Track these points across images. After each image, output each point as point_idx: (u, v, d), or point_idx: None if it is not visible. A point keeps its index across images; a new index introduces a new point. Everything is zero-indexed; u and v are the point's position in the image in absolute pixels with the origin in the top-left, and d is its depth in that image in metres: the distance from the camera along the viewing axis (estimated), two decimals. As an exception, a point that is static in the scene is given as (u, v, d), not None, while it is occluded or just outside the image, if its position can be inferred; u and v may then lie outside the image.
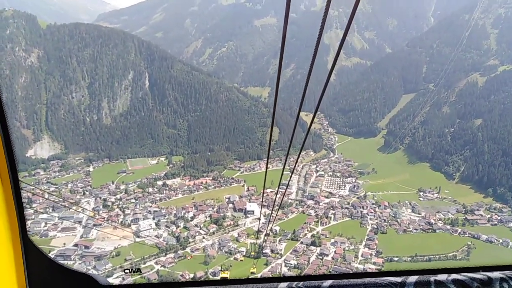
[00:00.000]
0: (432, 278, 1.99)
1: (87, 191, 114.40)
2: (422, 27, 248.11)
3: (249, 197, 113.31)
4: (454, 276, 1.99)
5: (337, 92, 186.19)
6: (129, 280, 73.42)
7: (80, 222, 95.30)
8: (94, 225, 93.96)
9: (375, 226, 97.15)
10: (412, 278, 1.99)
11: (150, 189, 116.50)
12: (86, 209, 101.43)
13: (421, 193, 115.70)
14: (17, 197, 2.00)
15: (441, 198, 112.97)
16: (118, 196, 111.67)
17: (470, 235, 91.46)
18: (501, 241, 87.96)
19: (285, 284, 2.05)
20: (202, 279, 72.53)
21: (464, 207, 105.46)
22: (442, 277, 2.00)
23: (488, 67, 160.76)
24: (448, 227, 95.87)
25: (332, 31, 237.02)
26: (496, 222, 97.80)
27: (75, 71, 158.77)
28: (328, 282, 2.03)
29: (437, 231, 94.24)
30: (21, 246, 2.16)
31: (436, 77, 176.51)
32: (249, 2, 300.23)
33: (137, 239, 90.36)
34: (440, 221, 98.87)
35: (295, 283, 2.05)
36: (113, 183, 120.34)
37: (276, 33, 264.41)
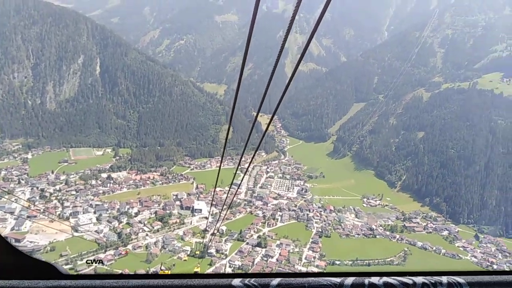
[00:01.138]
0: (367, 280, 2.27)
1: (23, 179, 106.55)
2: (376, 40, 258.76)
3: (197, 195, 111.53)
4: (385, 278, 2.29)
5: (292, 96, 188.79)
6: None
7: (12, 213, 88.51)
8: (28, 216, 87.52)
9: (320, 230, 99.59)
10: (349, 280, 2.26)
11: (93, 181, 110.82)
12: (20, 199, 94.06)
13: (365, 199, 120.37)
14: None
15: (383, 205, 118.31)
16: (57, 187, 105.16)
17: (407, 242, 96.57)
18: (434, 248, 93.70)
19: (238, 280, 2.24)
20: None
21: (403, 215, 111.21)
22: (375, 279, 2.28)
23: (433, 84, 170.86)
24: (388, 233, 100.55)
25: (291, 35, 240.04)
26: (431, 230, 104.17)
27: (19, 50, 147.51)
28: (277, 280, 2.25)
29: (377, 236, 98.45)
30: None
31: (385, 88, 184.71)
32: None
33: (75, 234, 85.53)
34: (381, 227, 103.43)
35: (247, 279, 2.25)
36: (53, 172, 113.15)
37: (237, 30, 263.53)
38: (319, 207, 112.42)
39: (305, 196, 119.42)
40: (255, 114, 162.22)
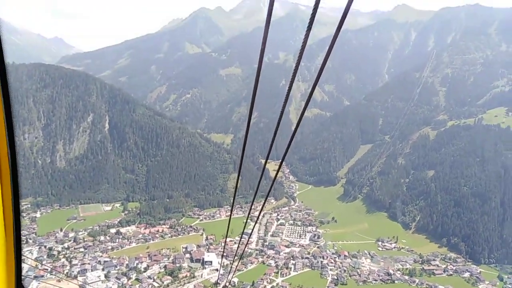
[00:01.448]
0: None
1: (30, 239, 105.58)
2: (378, 83, 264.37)
3: (207, 247, 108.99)
4: None
5: (298, 141, 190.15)
6: None
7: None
8: (35, 276, 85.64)
9: (335, 277, 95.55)
10: None
11: (102, 237, 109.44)
12: (27, 258, 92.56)
13: (380, 243, 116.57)
14: (17, 241, 1.79)
15: (399, 248, 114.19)
16: (65, 245, 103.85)
17: (427, 286, 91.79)
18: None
19: None
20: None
21: (420, 257, 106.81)
22: None
23: (438, 122, 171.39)
24: (407, 277, 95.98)
25: (294, 83, 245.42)
26: (451, 273, 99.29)
27: (30, 112, 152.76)
28: None
29: (396, 281, 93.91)
30: None
31: (391, 129, 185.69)
32: (215, 52, 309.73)
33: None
34: (399, 272, 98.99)
35: None
36: (61, 230, 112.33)
37: (240, 82, 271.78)
38: (333, 253, 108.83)
39: (318, 243, 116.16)
40: (262, 161, 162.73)
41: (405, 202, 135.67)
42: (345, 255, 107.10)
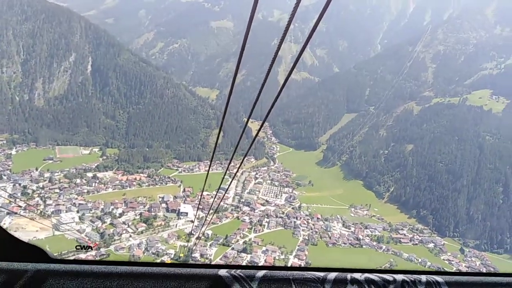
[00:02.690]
0: (349, 275, 2.33)
1: (5, 175, 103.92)
2: (369, 53, 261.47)
3: (184, 198, 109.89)
4: (366, 275, 2.35)
5: (284, 104, 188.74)
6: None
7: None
8: (8, 212, 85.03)
9: (307, 238, 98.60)
10: (332, 275, 2.32)
11: (78, 180, 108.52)
12: (0, 195, 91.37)
13: (353, 209, 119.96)
14: None
15: (370, 215, 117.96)
16: (40, 184, 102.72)
17: (393, 253, 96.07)
18: (420, 260, 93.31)
19: (225, 270, 2.27)
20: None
21: (390, 226, 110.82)
22: (357, 275, 2.33)
23: (424, 98, 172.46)
24: (374, 243, 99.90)
25: (285, 43, 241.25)
26: (417, 242, 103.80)
27: (9, 45, 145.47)
28: (262, 272, 2.28)
29: (363, 246, 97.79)
30: None
31: (377, 101, 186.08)
32: (207, 2, 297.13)
33: (56, 232, 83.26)
34: (368, 237, 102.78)
35: (234, 270, 2.28)
36: (37, 169, 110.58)
37: (231, 37, 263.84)
38: (306, 215, 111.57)
39: (293, 204, 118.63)
40: (246, 119, 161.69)
41: (382, 173, 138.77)
42: (317, 218, 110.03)
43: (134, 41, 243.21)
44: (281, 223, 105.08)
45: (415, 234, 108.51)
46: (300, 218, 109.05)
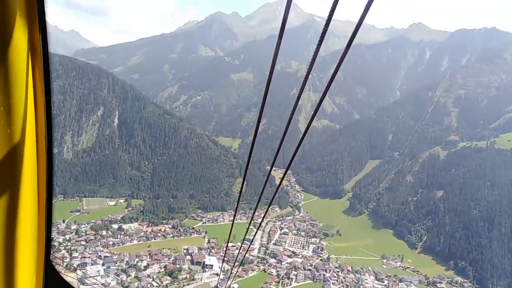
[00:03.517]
0: None
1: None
2: (389, 99, 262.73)
3: (209, 250, 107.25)
4: None
5: (306, 151, 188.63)
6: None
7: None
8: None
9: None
10: None
11: (104, 232, 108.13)
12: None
13: (384, 260, 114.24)
14: (48, 216, 1.90)
15: (404, 267, 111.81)
16: (67, 237, 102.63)
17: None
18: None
19: None
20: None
21: (426, 279, 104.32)
22: None
23: (449, 142, 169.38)
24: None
25: (305, 92, 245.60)
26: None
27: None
28: None
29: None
30: (43, 273, 2.00)
31: (400, 146, 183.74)
32: (228, 56, 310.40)
33: (82, 287, 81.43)
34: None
35: None
36: (63, 222, 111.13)
37: (252, 88, 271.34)
38: (336, 267, 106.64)
39: (321, 255, 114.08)
40: (268, 168, 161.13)
41: (412, 221, 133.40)
42: (348, 270, 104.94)
43: (159, 95, 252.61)
44: (310, 276, 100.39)
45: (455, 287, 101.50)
46: (330, 270, 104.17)
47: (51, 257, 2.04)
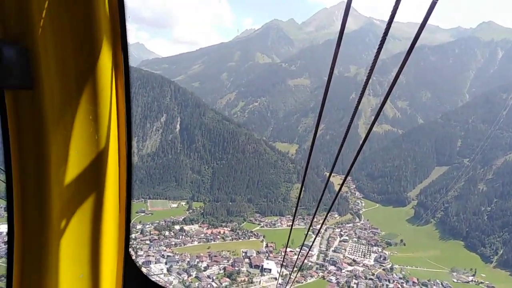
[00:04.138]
0: None
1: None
2: (457, 102, 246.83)
3: (267, 254, 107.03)
4: None
5: (366, 157, 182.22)
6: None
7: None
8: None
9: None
10: None
11: (167, 233, 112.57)
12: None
13: (454, 274, 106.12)
14: (127, 215, 2.09)
15: (477, 282, 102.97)
16: (133, 236, 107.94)
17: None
18: None
19: None
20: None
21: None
22: None
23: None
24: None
25: (365, 97, 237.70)
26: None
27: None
28: None
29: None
30: (123, 266, 2.17)
31: (471, 152, 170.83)
32: (284, 62, 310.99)
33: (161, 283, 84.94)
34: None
35: None
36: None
37: (309, 93, 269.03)
38: (400, 278, 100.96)
39: (383, 264, 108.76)
40: (327, 174, 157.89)
41: (486, 232, 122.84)
42: (413, 282, 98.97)
43: (218, 101, 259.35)
44: (372, 285, 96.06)
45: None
46: (393, 281, 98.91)
47: (130, 253, 2.21)
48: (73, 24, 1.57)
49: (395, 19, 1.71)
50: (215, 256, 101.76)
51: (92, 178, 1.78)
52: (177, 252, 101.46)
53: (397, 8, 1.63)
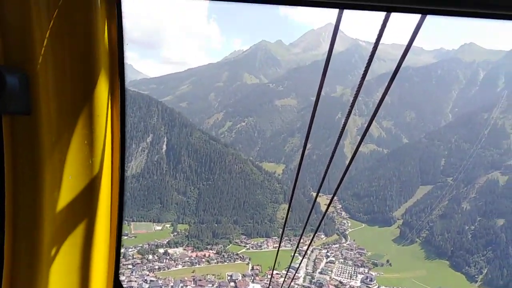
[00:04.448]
0: None
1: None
2: (440, 122, 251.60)
3: (252, 277, 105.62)
4: None
5: (352, 177, 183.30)
6: None
7: None
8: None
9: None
10: None
11: (150, 256, 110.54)
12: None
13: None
14: (118, 238, 2.10)
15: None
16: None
17: None
18: None
19: None
20: None
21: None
22: None
23: (509, 166, 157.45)
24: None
25: (350, 117, 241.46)
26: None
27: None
28: None
29: None
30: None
31: (454, 171, 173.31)
32: (272, 83, 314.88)
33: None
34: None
35: None
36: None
37: (295, 113, 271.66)
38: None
39: (370, 286, 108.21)
40: (313, 194, 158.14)
41: (470, 252, 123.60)
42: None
43: (205, 121, 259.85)
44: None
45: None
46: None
47: (119, 278, 2.20)
48: (73, 52, 1.63)
49: (380, 41, 1.73)
50: (200, 280, 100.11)
51: (85, 203, 1.81)
52: (160, 277, 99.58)
53: (382, 32, 1.66)
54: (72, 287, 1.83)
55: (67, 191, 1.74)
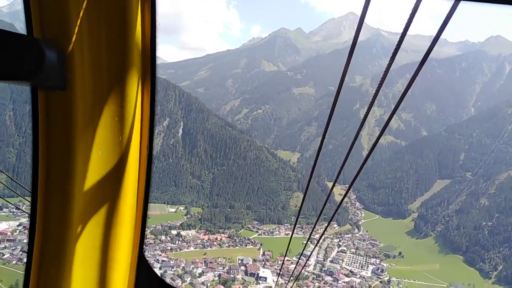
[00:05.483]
0: None
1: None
2: (462, 116, 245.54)
3: (263, 262, 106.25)
4: None
5: (368, 168, 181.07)
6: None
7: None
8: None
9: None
10: None
11: (163, 237, 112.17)
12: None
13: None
14: (143, 215, 2.15)
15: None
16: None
17: None
18: None
19: None
20: None
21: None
22: None
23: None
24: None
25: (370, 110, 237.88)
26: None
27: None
28: None
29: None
30: (136, 265, 2.20)
31: (474, 166, 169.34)
32: (290, 71, 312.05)
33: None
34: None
35: None
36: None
37: (313, 102, 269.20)
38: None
39: (381, 277, 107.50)
40: (327, 183, 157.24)
41: (486, 248, 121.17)
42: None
43: (222, 108, 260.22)
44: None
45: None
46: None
47: (144, 253, 2.27)
48: (108, 28, 1.68)
49: (402, 32, 1.70)
50: (211, 262, 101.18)
51: (114, 179, 1.86)
52: (172, 257, 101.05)
53: (411, 22, 1.64)
54: (97, 258, 1.90)
55: (98, 165, 1.81)
